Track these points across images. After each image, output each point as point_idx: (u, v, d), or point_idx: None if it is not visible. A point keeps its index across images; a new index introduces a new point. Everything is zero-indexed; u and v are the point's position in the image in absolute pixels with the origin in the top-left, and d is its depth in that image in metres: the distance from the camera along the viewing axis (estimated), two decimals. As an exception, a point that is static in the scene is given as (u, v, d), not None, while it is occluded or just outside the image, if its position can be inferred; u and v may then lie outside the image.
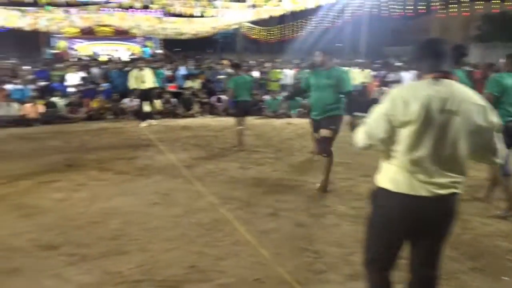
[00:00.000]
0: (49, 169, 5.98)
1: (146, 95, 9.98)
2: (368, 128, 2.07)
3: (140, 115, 10.19)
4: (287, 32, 24.83)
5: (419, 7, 16.39)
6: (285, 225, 3.98)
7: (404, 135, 1.97)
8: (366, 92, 12.26)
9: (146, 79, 9.85)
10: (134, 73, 9.96)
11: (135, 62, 13.01)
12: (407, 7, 16.48)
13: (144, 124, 9.84)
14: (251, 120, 10.91)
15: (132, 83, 9.91)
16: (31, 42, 26.67)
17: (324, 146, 4.87)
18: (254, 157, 6.76)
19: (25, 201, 4.63)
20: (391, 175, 2.06)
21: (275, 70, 13.79)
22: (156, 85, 10.45)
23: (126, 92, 11.50)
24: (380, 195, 2.12)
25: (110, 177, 5.58)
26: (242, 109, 7.52)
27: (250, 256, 3.34)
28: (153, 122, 10.10)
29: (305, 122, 10.47)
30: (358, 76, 12.68)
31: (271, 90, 12.78)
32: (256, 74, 13.62)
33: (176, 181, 5.38)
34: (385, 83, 12.04)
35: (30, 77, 11.88)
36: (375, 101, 11.43)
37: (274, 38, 26.21)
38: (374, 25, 22.74)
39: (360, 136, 2.13)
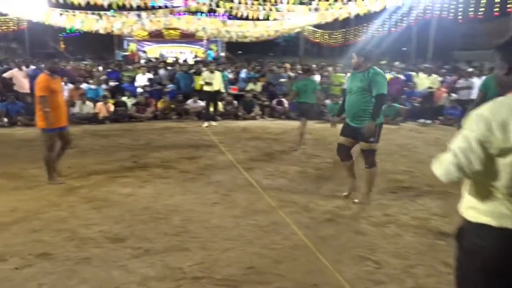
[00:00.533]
0: (117, 165, 6.30)
1: (213, 97, 10.26)
2: (457, 158, 1.62)
3: (203, 116, 10.47)
4: (350, 36, 24.42)
5: (494, 10, 15.40)
6: (344, 232, 3.90)
7: (506, 164, 1.56)
8: (432, 98, 11.75)
9: (215, 81, 10.14)
10: (204, 75, 10.30)
11: (199, 64, 13.37)
12: (479, 10, 15.56)
13: (206, 124, 10.09)
14: (311, 124, 10.84)
15: (200, 85, 10.25)
16: (105, 45, 28.38)
17: (367, 158, 4.58)
18: (313, 162, 6.70)
19: (95, 194, 4.91)
20: (489, 207, 1.63)
21: (337, 74, 13.59)
22: (223, 88, 10.71)
23: (190, 94, 11.90)
24: (475, 232, 1.66)
25: (173, 175, 5.77)
26: (304, 110, 7.64)
27: (308, 261, 3.30)
28: (213, 123, 10.33)
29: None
30: (424, 81, 12.19)
31: (332, 94, 12.61)
32: (317, 78, 13.50)
33: (236, 182, 5.46)
34: (454, 90, 11.45)
35: (103, 77, 12.58)
36: (441, 108, 10.95)
37: (336, 42, 25.88)
38: (443, 28, 21.72)
39: (446, 168, 1.67)
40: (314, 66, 15.35)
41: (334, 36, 25.58)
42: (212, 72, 10.22)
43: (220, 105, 11.30)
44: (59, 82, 5.40)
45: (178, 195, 4.87)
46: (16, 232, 3.77)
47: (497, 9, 15.96)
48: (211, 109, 10.39)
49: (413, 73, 12.83)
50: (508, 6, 15.53)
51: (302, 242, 3.64)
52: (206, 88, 10.15)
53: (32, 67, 12.29)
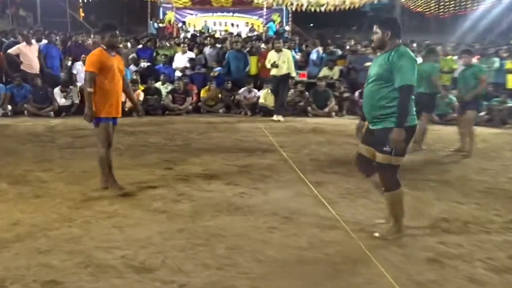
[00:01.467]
0: (146, 171, 6.52)
1: (279, 83, 10.41)
2: None
3: (264, 109, 10.68)
4: (467, 2, 23.64)
5: None
6: (452, 277, 3.77)
7: None
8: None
9: (284, 63, 10.30)
10: (271, 54, 10.48)
11: (256, 41, 13.54)
12: None
13: (275, 118, 10.35)
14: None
15: (258, 68, 10.51)
16: (136, 14, 29.39)
17: (382, 176, 4.41)
18: (410, 177, 6.53)
19: (117, 208, 5.10)
20: None
21: (447, 58, 13.22)
22: (293, 72, 10.84)
23: (243, 80, 12.04)
24: None
25: (218, 187, 5.87)
26: (419, 103, 7.58)
27: (399, 315, 3.23)
28: (281, 118, 10.49)
29: (489, 133, 9.88)
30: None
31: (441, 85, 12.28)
32: (418, 61, 13.21)
33: (302, 201, 5.46)
34: None
35: (132, 56, 13.01)
36: None
37: (447, 12, 25.14)
38: None
39: None
40: (414, 45, 15.03)
41: (443, 3, 24.90)
42: (279, 51, 10.37)
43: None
44: (117, 61, 5.61)
45: (223, 216, 4.94)
46: (18, 252, 3.99)
47: None
48: (277, 99, 10.64)
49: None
50: None
51: (390, 287, 3.57)
52: (273, 72, 10.33)
53: (44, 41, 12.87)
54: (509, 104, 10.99)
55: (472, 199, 5.72)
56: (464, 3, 23.86)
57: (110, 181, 5.63)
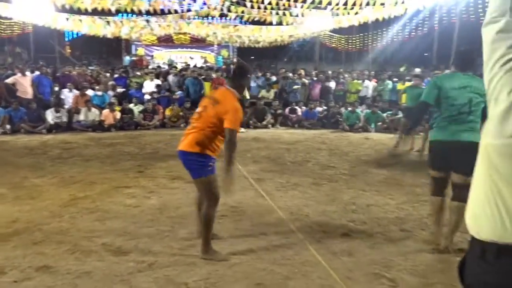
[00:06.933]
0: (122, 174, 6.38)
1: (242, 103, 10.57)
2: None
3: None
4: (368, 41, 24.42)
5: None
6: (358, 247, 3.88)
7: None
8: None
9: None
10: None
11: (209, 71, 13.51)
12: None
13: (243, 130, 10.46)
14: (325, 133, 10.86)
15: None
16: (113, 49, 28.81)
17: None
18: (327, 173, 6.70)
19: (99, 205, 4.97)
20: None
21: (355, 81, 13.60)
22: (248, 94, 10.98)
23: (200, 101, 12.00)
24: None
25: (180, 185, 5.82)
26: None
27: (320, 278, 3.29)
28: (243, 129, 10.62)
29: (385, 137, 10.21)
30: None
31: (349, 102, 12.61)
32: (332, 84, 13.52)
33: (245, 194, 5.47)
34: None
35: (110, 83, 12.76)
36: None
37: (354, 47, 25.89)
38: (467, 33, 21.57)
39: None
40: (330, 72, 15.39)
41: (351, 41, 25.62)
42: None
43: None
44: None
45: (185, 207, 4.90)
46: (16, 245, 3.83)
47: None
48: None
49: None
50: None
51: (313, 257, 3.63)
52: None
53: (37, 72, 12.51)
54: (399, 116, 11.34)
55: (373, 187, 5.89)
56: (367, 41, 24.62)
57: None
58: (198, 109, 3.78)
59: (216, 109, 3.54)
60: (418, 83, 8.72)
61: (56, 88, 12.41)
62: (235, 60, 27.74)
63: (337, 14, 14.21)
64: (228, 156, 3.57)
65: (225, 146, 3.58)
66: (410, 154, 8.36)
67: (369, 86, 13.59)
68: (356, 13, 13.10)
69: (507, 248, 1.22)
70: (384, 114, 11.58)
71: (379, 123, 11.45)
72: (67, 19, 14.15)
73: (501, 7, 1.25)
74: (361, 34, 24.58)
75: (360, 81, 13.62)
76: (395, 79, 13.58)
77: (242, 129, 10.84)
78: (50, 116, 10.64)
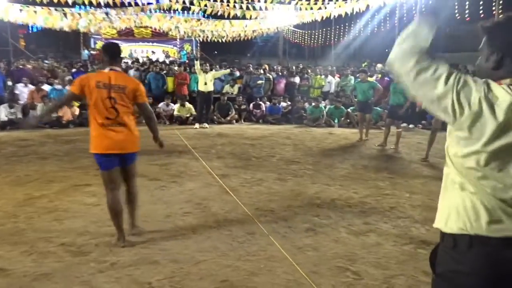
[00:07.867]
0: (81, 172, 6.21)
1: (206, 97, 10.73)
2: None
3: (197, 117, 10.95)
4: (332, 36, 24.73)
5: (480, 11, 15.86)
6: (323, 241, 3.93)
7: None
8: (415, 103, 11.99)
9: (210, 82, 10.69)
10: (201, 74, 10.62)
11: (172, 65, 13.34)
12: (465, 11, 16.02)
13: (197, 126, 10.67)
14: (290, 128, 10.94)
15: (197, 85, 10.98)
16: (71, 43, 27.91)
17: None
18: (292, 168, 6.75)
19: (57, 204, 4.82)
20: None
21: (318, 77, 13.74)
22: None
23: (162, 96, 11.88)
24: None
25: (143, 183, 5.69)
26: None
27: (285, 273, 3.32)
28: (206, 125, 10.81)
29: (349, 132, 10.40)
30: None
31: (312, 98, 12.74)
32: (296, 80, 13.62)
33: (210, 190, 5.45)
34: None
35: (68, 78, 12.37)
36: (424, 113, 11.18)
37: (317, 42, 26.17)
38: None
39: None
40: (293, 68, 15.49)
41: (315, 37, 25.88)
42: (206, 72, 10.65)
43: (191, 108, 11.59)
44: None
45: (147, 205, 4.81)
46: (-32, 246, 3.66)
47: (482, 11, 16.44)
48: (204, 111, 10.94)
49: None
50: (493, 7, 16.02)
51: (279, 253, 3.65)
52: (201, 88, 10.66)
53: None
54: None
55: (337, 182, 5.98)
56: (330, 37, 24.92)
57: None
58: None
59: None
60: (364, 77, 9.50)
61: (10, 83, 11.93)
62: (198, 54, 27.55)
63: (300, 9, 14.33)
64: None
65: None
66: (373, 148, 8.57)
67: (332, 82, 13.78)
68: (319, 9, 13.25)
69: (478, 239, 1.34)
70: (348, 110, 11.76)
71: (342, 118, 11.65)
72: (21, 10, 13.60)
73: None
74: (324, 29, 24.85)
75: (323, 77, 13.77)
76: (357, 75, 13.80)
77: (206, 125, 10.80)
78: (4, 112, 10.21)
